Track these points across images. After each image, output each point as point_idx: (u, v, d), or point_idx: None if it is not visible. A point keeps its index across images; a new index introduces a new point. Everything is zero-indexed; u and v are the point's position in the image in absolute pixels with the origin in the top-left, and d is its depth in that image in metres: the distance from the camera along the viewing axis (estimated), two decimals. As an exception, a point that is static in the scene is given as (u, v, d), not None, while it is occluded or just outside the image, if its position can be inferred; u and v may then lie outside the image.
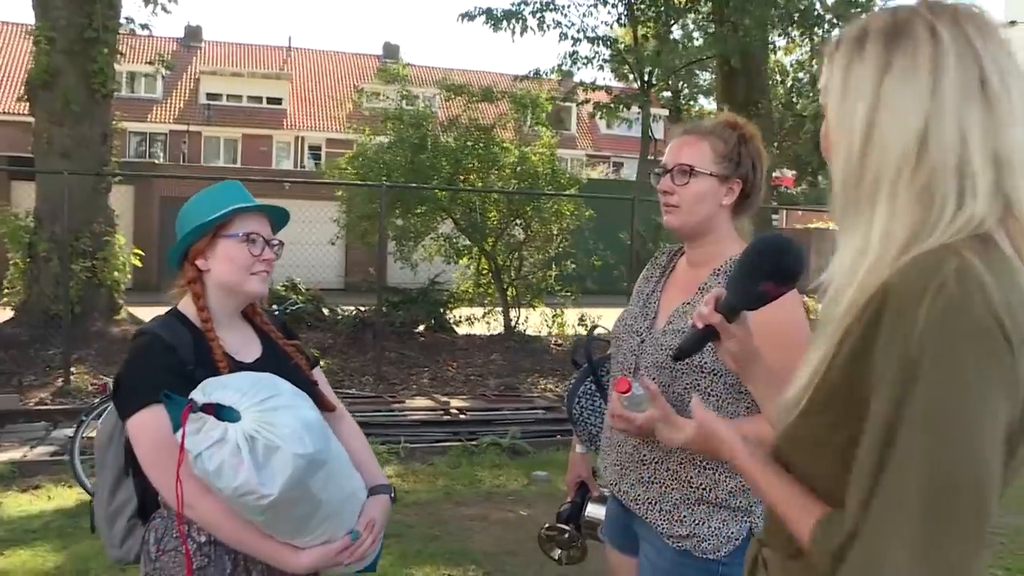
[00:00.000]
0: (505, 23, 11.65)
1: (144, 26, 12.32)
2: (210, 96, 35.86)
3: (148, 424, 1.89)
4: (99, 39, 10.64)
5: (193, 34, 38.10)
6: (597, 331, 2.68)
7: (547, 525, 2.70)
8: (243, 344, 2.09)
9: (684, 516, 2.12)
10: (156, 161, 30.89)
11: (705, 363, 2.08)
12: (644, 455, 2.17)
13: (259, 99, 36.45)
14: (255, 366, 2.03)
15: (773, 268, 1.50)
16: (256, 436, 1.73)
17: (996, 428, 1.04)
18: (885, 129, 1.16)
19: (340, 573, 2.08)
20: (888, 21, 1.20)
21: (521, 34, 11.81)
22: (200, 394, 1.78)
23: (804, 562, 1.22)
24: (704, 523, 2.10)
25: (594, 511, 2.58)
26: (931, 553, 1.01)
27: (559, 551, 2.70)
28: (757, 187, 2.25)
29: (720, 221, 2.22)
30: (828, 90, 1.26)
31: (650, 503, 2.16)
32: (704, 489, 2.11)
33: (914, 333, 1.03)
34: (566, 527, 2.64)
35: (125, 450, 2.06)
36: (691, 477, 2.12)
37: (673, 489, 2.13)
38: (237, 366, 2.00)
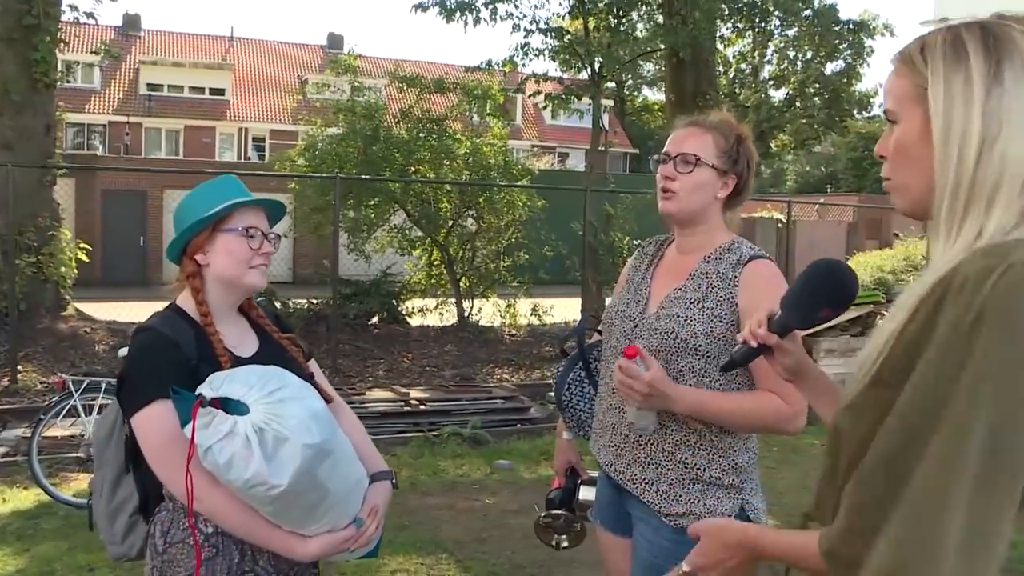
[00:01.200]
0: (458, 14, 11.64)
1: (89, 15, 12.04)
2: (150, 87, 35.13)
3: (155, 420, 1.90)
4: (40, 27, 10.37)
5: (131, 23, 37.21)
6: (590, 318, 2.74)
7: (543, 514, 2.72)
8: (240, 338, 2.11)
9: (680, 495, 2.21)
10: (97, 153, 30.24)
11: (700, 346, 2.18)
12: (639, 436, 2.25)
13: (201, 90, 35.83)
14: (253, 360, 2.05)
15: (835, 293, 1.55)
16: (265, 428, 1.74)
17: None
18: (1004, 139, 1.19)
19: (344, 559, 2.11)
20: (980, 32, 1.23)
21: (474, 25, 11.81)
22: (208, 389, 1.80)
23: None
24: (700, 501, 2.20)
25: (587, 494, 2.64)
26: (980, 523, 1.06)
27: (558, 536, 2.73)
28: (748, 185, 2.36)
29: (712, 212, 2.32)
30: (903, 99, 1.28)
31: (647, 483, 2.25)
32: (698, 469, 2.21)
33: (975, 302, 1.07)
34: (562, 512, 2.68)
35: (126, 446, 2.06)
36: (686, 458, 2.22)
37: (669, 470, 2.23)
38: (236, 360, 2.01)
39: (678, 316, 2.21)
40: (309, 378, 2.15)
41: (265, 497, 1.78)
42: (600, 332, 2.58)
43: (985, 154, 1.20)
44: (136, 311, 11.48)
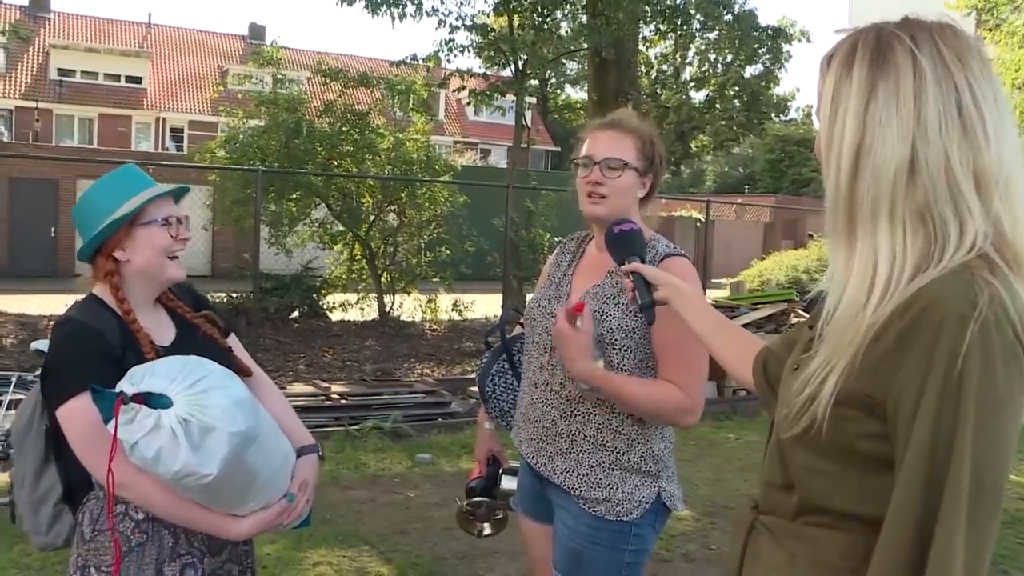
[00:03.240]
0: (384, 8, 11.60)
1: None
2: (62, 72, 33.95)
3: (81, 411, 1.90)
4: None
5: (39, 3, 35.75)
6: (511, 312, 2.80)
7: (464, 502, 2.76)
8: (159, 327, 2.12)
9: (600, 479, 2.29)
10: (3, 139, 29.17)
11: (616, 341, 2.27)
12: (561, 428, 2.33)
13: (117, 77, 34.79)
14: (173, 347, 2.07)
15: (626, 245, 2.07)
16: (190, 419, 1.76)
17: (1017, 433, 1.19)
18: (877, 155, 1.24)
19: (279, 530, 2.16)
20: (874, 43, 1.28)
21: (399, 20, 11.78)
22: (128, 384, 1.80)
23: (815, 525, 1.35)
24: (618, 488, 2.29)
25: (508, 483, 2.70)
26: (971, 543, 1.14)
27: (480, 525, 2.78)
28: (659, 183, 2.47)
29: (634, 212, 2.40)
30: (820, 106, 1.34)
31: (567, 471, 2.32)
32: (618, 453, 2.30)
33: (959, 355, 1.13)
34: (483, 500, 2.74)
35: (47, 436, 2.05)
36: (606, 441, 2.30)
37: (590, 454, 2.31)
38: (159, 350, 2.02)
39: (596, 312, 2.28)
40: (228, 352, 2.18)
41: (196, 486, 1.80)
42: (523, 325, 2.65)
43: (861, 166, 1.26)
44: (47, 303, 11.17)
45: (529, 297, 2.65)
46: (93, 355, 1.94)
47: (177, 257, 2.09)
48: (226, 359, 2.12)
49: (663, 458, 2.35)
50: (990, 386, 1.15)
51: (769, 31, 15.73)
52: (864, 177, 1.26)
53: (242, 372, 2.16)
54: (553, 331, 2.20)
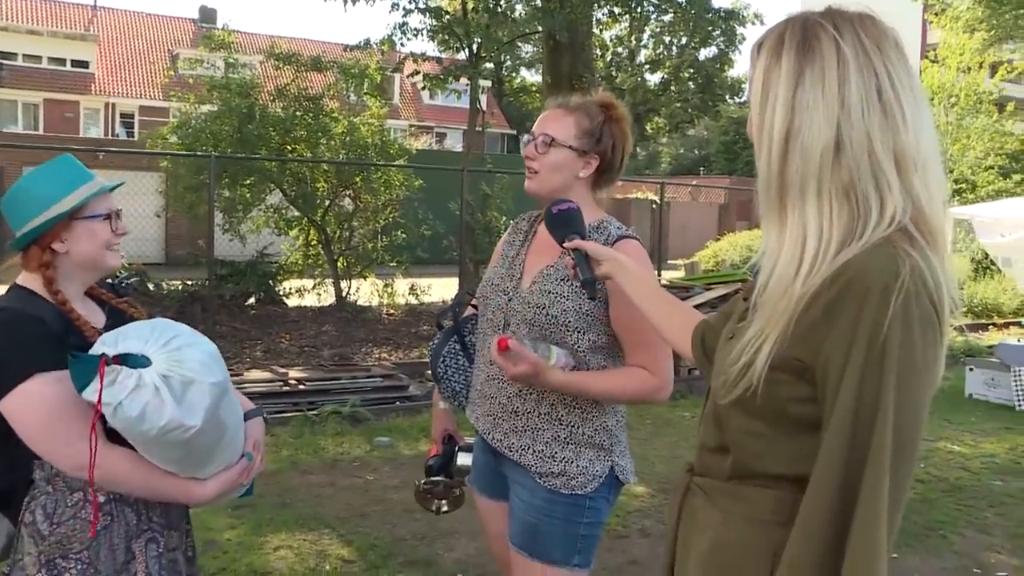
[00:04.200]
0: (336, -9, 11.51)
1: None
2: (2, 55, 33.07)
3: (35, 396, 1.86)
4: None
5: (-21, -14, 34.97)
6: (463, 296, 2.83)
7: (422, 480, 2.79)
8: (90, 315, 2.11)
9: (555, 453, 2.34)
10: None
11: (569, 322, 2.31)
12: (517, 407, 2.38)
13: (62, 61, 34.02)
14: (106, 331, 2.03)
15: (565, 224, 2.11)
16: (170, 375, 1.79)
17: (931, 396, 1.29)
18: (805, 136, 1.33)
19: (228, 497, 2.16)
20: (801, 32, 1.37)
21: (353, 3, 11.70)
22: (105, 347, 1.82)
23: (747, 485, 1.44)
24: (573, 462, 2.34)
25: (464, 459, 2.73)
26: (895, 502, 1.24)
27: (438, 502, 2.80)
28: (615, 165, 2.46)
29: (577, 191, 2.41)
30: (752, 92, 1.43)
31: (523, 448, 2.37)
32: (573, 427, 2.35)
33: (883, 323, 1.22)
34: (440, 478, 2.76)
35: None
36: (561, 415, 2.35)
37: (545, 429, 2.35)
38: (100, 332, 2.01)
39: (550, 292, 2.32)
40: None
41: (179, 440, 1.82)
42: (475, 307, 2.68)
43: (791, 148, 1.35)
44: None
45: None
46: (37, 340, 1.91)
47: (115, 248, 2.09)
48: None
49: (616, 432, 2.41)
50: (910, 353, 1.24)
51: (721, 13, 15.86)
52: (793, 158, 1.35)
53: None
54: (507, 378, 2.24)
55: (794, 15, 1.43)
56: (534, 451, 2.35)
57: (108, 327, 2.05)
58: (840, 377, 1.27)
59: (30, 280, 2.04)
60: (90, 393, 1.79)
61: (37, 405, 1.87)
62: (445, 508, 2.82)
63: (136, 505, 2.00)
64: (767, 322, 1.35)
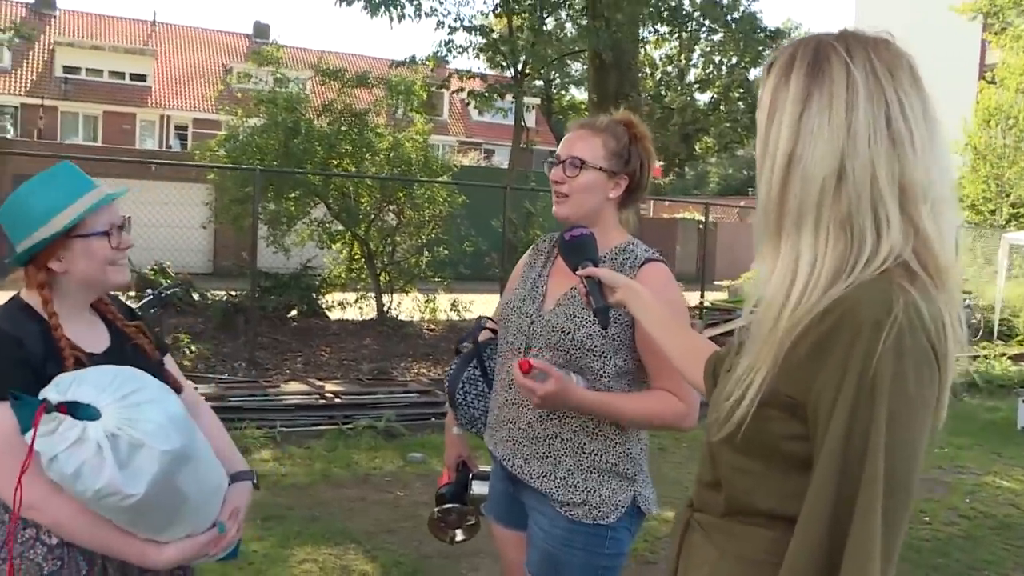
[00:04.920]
0: (383, 9, 11.63)
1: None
2: (67, 69, 34.07)
3: None
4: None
5: (45, 1, 36.03)
6: (484, 320, 2.77)
7: (435, 510, 2.71)
8: (92, 335, 1.99)
9: (578, 482, 2.27)
10: (7, 136, 29.24)
11: (595, 347, 2.24)
12: (538, 432, 2.32)
13: (122, 75, 34.92)
14: (105, 356, 1.95)
15: (579, 252, 2.06)
16: (119, 434, 1.64)
17: (926, 435, 1.23)
18: (807, 163, 1.28)
19: (204, 561, 2.02)
20: (812, 54, 1.32)
21: (399, 21, 11.81)
22: (55, 392, 1.68)
23: (741, 522, 1.39)
24: (596, 492, 2.27)
25: (479, 488, 2.66)
26: (885, 541, 1.18)
27: (452, 531, 2.73)
28: (643, 184, 2.42)
29: (606, 213, 2.37)
30: (758, 112, 1.38)
31: (544, 476, 2.30)
32: (596, 455, 2.28)
33: (874, 358, 1.17)
34: (454, 506, 2.69)
35: None
36: (584, 443, 2.28)
37: (566, 456, 2.28)
38: (86, 358, 1.89)
39: (575, 316, 2.26)
40: (158, 366, 2.07)
41: (119, 507, 1.68)
42: (494, 332, 2.61)
43: (792, 173, 1.30)
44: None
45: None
46: (10, 364, 1.79)
47: (119, 265, 1.97)
48: (157, 372, 1.99)
49: (639, 461, 2.35)
50: (902, 389, 1.19)
51: (768, 32, 15.69)
52: (794, 184, 1.30)
53: (174, 387, 2.03)
54: (534, 401, 2.17)
55: (808, 36, 1.38)
56: (555, 479, 2.28)
57: (110, 351, 1.98)
58: (830, 413, 1.21)
59: (30, 293, 1.94)
60: (28, 438, 1.65)
61: None
62: (459, 538, 2.76)
63: (91, 554, 1.84)
64: (756, 357, 1.30)
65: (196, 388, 7.78)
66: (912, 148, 1.27)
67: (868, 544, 1.17)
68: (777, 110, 1.33)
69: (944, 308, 1.25)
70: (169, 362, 2.18)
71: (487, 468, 2.67)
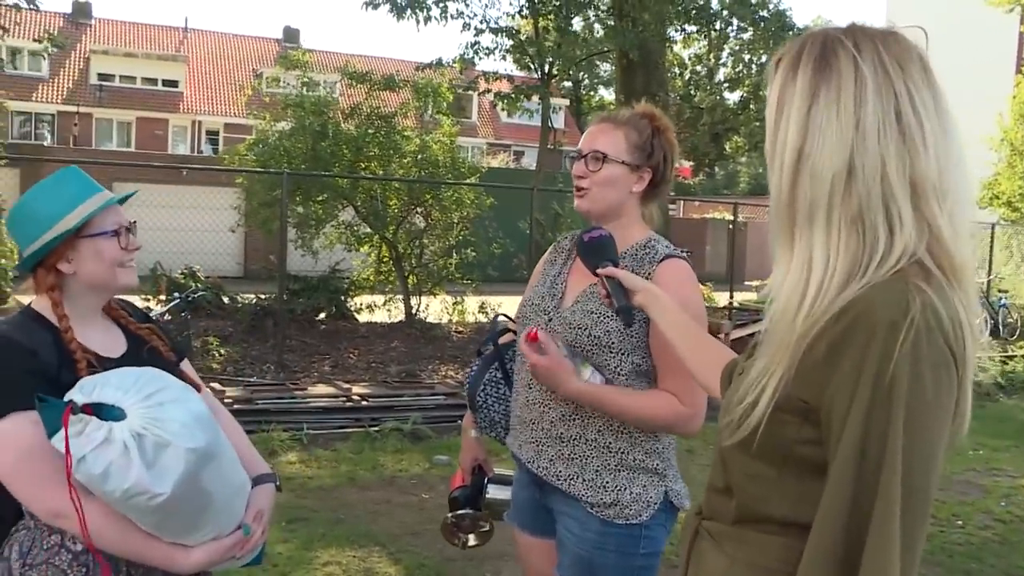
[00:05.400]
0: (408, 12, 11.65)
1: (31, 1, 11.84)
2: (102, 76, 34.61)
3: (11, 432, 1.74)
4: (-21, 15, 10.22)
5: (81, 10, 36.66)
6: (500, 320, 2.73)
7: (449, 514, 2.66)
8: (108, 340, 2.00)
9: (607, 483, 2.22)
10: (44, 143, 29.69)
11: (613, 343, 2.21)
12: (562, 432, 2.27)
13: (154, 81, 35.39)
14: (122, 360, 1.95)
15: (598, 253, 2.09)
16: (144, 433, 1.65)
17: (945, 441, 1.19)
18: (815, 157, 1.25)
19: (231, 566, 2.01)
20: (820, 48, 1.29)
21: (425, 23, 11.82)
22: (79, 394, 1.68)
23: (753, 530, 1.35)
24: (626, 490, 2.22)
25: (496, 492, 2.60)
26: (903, 551, 1.13)
27: (464, 536, 2.67)
28: (666, 177, 2.37)
29: (629, 207, 2.33)
30: (767, 109, 1.35)
31: (572, 477, 2.25)
32: (622, 453, 2.23)
33: (891, 361, 1.13)
34: (467, 511, 2.63)
35: None
36: (609, 442, 2.23)
37: (593, 457, 2.23)
38: (104, 363, 1.89)
39: (592, 313, 2.23)
40: (175, 366, 2.08)
41: (147, 507, 1.68)
42: (515, 333, 2.57)
43: (801, 171, 1.26)
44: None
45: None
46: (24, 374, 1.78)
47: (128, 266, 1.97)
48: (174, 373, 1.99)
49: (667, 455, 2.30)
50: (920, 393, 1.15)
51: (798, 30, 15.55)
52: (803, 182, 1.26)
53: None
54: (528, 368, 2.17)
55: (816, 30, 1.34)
56: (584, 480, 2.23)
57: (127, 355, 1.99)
58: (845, 418, 1.17)
59: (40, 302, 1.94)
60: (57, 441, 1.66)
61: (8, 446, 1.75)
62: (472, 543, 2.70)
63: (115, 561, 1.83)
64: (771, 359, 1.26)
65: (223, 391, 7.86)
66: (923, 143, 1.23)
67: (887, 553, 1.13)
68: (785, 106, 1.30)
69: (961, 308, 1.21)
70: (186, 364, 2.19)
71: (505, 471, 2.63)
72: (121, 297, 2.16)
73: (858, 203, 1.23)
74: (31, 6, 11.96)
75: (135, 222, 2.01)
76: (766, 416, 1.25)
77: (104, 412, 1.66)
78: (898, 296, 1.17)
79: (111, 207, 1.95)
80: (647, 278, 2.19)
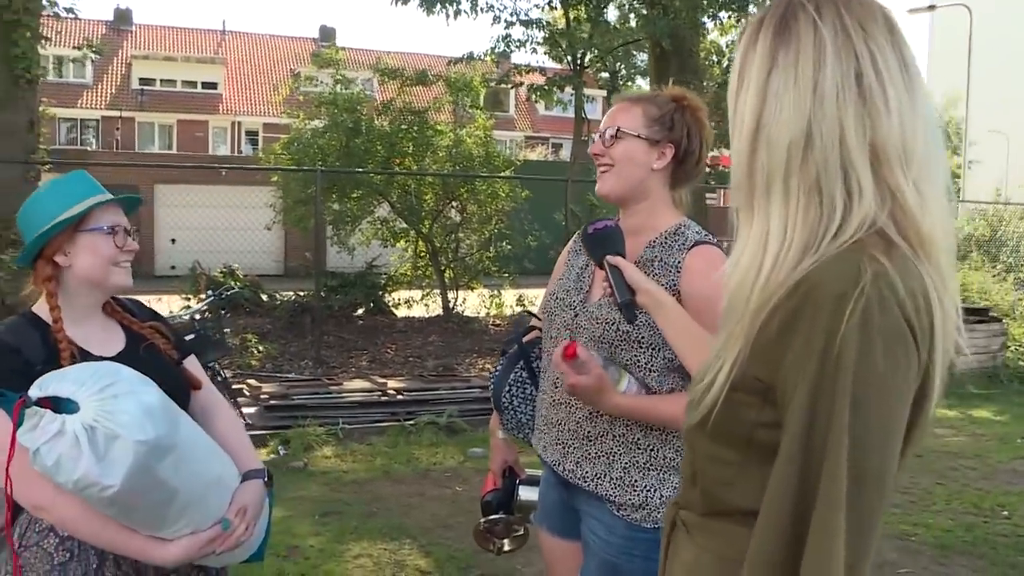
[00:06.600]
0: (438, 6, 11.65)
1: (69, 9, 12.03)
2: (143, 81, 35.21)
3: None
4: (20, 22, 10.39)
5: (123, 17, 37.31)
6: (525, 317, 2.65)
7: (482, 519, 2.57)
8: (105, 338, 2.03)
9: (636, 482, 2.13)
10: (88, 148, 30.24)
11: (643, 338, 2.11)
12: (588, 431, 2.18)
13: (194, 84, 35.91)
14: (120, 357, 1.98)
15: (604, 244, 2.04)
16: (96, 426, 1.66)
17: (903, 422, 1.11)
18: (772, 126, 1.19)
19: (225, 562, 2.03)
20: (780, 12, 1.23)
21: (455, 17, 11.82)
22: (37, 389, 1.71)
23: (720, 520, 1.29)
24: (656, 491, 2.12)
25: (529, 494, 2.52)
26: (852, 537, 1.07)
27: (499, 541, 2.60)
28: (692, 154, 2.24)
29: (653, 186, 2.21)
30: (731, 76, 1.30)
31: (599, 477, 2.17)
32: (652, 451, 2.14)
33: (837, 334, 1.07)
34: (501, 516, 2.55)
35: None
36: (638, 439, 2.14)
37: (621, 455, 2.14)
38: (95, 360, 1.92)
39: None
40: (176, 364, 2.12)
41: (100, 499, 1.69)
42: (541, 329, 2.47)
43: (759, 139, 1.21)
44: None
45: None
46: (4, 372, 1.84)
47: (122, 266, 2.01)
48: (173, 371, 2.06)
49: None
50: (870, 368, 1.07)
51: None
52: (761, 150, 1.21)
53: (191, 385, 2.09)
54: (566, 387, 2.06)
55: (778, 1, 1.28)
56: (611, 479, 2.14)
57: (123, 353, 2.02)
58: (794, 396, 1.11)
59: (40, 305, 1.99)
60: (20, 434, 1.69)
61: None
62: (507, 548, 2.62)
63: (102, 549, 1.88)
64: (729, 337, 1.21)
65: (259, 387, 7.93)
66: (886, 106, 1.16)
67: (830, 539, 1.06)
68: (745, 74, 1.25)
69: (929, 281, 1.13)
70: (191, 362, 2.20)
71: (535, 472, 2.56)
72: (131, 297, 2.21)
73: (816, 171, 1.17)
74: (70, 14, 12.14)
75: (136, 228, 2.07)
76: (723, 395, 1.20)
77: (61, 406, 1.68)
78: (850, 267, 1.11)
79: (113, 209, 2.01)
80: (676, 266, 2.12)
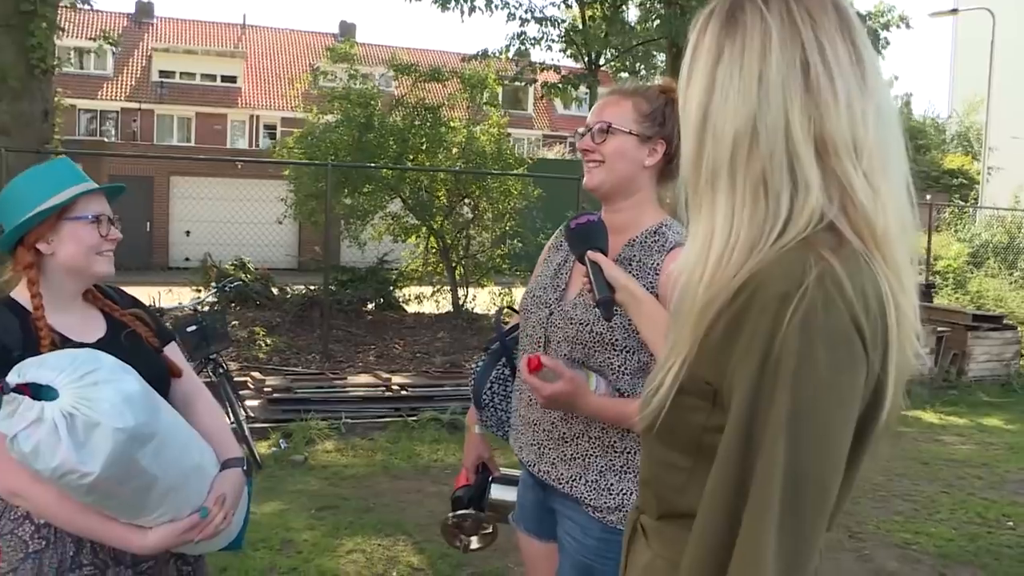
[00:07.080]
0: (453, 3, 11.63)
1: (86, 0, 12.08)
2: (163, 73, 35.36)
3: None
4: (36, 13, 10.44)
5: (144, 10, 37.50)
6: (506, 312, 2.61)
7: (451, 514, 2.56)
8: (85, 325, 2.02)
9: (612, 485, 2.11)
10: (106, 139, 30.43)
11: (616, 340, 2.08)
12: (564, 432, 2.16)
13: (213, 77, 36.03)
14: (99, 344, 1.97)
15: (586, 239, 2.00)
16: (75, 413, 1.66)
17: (847, 427, 1.07)
18: (717, 119, 1.16)
19: (204, 550, 2.03)
20: (728, 3, 1.20)
21: (469, 14, 11.81)
22: (15, 375, 1.70)
23: (673, 525, 1.26)
24: (632, 495, 2.09)
25: (500, 493, 2.50)
26: (783, 548, 1.02)
27: (466, 538, 2.57)
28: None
29: (642, 184, 2.17)
30: (681, 69, 1.26)
31: (574, 479, 2.14)
32: (628, 454, 2.11)
33: (778, 335, 1.04)
34: (470, 512, 2.52)
35: None
36: (613, 441, 2.11)
37: (597, 457, 2.12)
38: (75, 347, 1.90)
39: (594, 307, 2.06)
40: (157, 351, 2.10)
41: (79, 486, 1.68)
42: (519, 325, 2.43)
43: (705, 132, 1.18)
44: (135, 294, 11.53)
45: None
46: None
47: (105, 255, 2.01)
48: (154, 358, 2.05)
49: None
50: (810, 371, 1.03)
51: (856, 15, 15.24)
52: (707, 144, 1.17)
53: (172, 372, 2.09)
54: (540, 401, 2.03)
55: None
56: (586, 482, 2.12)
57: (103, 340, 2.01)
58: (733, 399, 1.08)
59: (19, 290, 1.97)
60: None
61: None
62: (474, 546, 2.59)
63: (78, 536, 1.87)
64: (677, 338, 1.17)
65: (263, 380, 7.93)
66: (834, 97, 1.12)
67: (758, 545, 1.02)
68: (694, 66, 1.22)
69: (884, 280, 1.09)
70: (172, 349, 2.19)
71: (511, 472, 2.52)
72: (112, 285, 2.20)
73: (761, 165, 1.13)
74: (86, 5, 12.20)
75: (119, 217, 2.06)
76: (670, 397, 1.16)
77: (40, 392, 1.66)
78: (795, 266, 1.06)
79: (98, 198, 2.00)
80: (655, 269, 2.08)
